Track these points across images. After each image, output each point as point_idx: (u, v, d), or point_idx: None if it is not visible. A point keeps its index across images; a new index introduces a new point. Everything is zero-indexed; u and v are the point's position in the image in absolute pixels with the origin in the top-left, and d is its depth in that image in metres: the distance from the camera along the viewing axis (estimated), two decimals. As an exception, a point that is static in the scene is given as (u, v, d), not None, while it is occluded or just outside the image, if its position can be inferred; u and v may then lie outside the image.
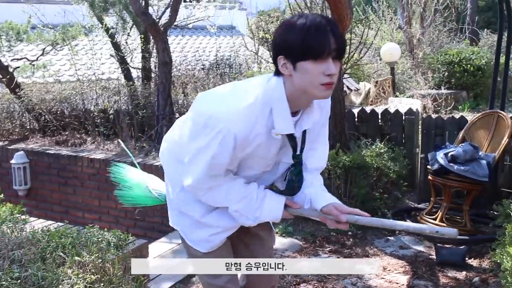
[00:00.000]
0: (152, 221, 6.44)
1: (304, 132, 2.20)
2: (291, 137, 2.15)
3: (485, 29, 17.32)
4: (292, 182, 2.27)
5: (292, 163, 2.26)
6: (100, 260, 2.90)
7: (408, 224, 2.22)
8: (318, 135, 2.32)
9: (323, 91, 2.01)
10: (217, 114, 2.06)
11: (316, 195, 2.26)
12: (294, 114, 2.13)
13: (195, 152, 2.15)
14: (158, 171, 6.25)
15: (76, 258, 2.84)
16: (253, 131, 2.07)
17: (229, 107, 2.06)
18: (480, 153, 4.93)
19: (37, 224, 4.11)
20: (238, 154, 2.13)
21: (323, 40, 1.95)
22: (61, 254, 2.87)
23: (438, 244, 4.53)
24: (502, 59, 7.05)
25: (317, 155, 2.36)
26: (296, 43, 1.97)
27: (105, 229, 3.35)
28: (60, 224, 4.13)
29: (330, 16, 5.52)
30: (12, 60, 8.95)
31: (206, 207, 2.37)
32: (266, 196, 2.28)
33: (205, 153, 2.11)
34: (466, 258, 4.39)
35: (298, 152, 2.21)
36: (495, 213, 4.51)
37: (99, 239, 3.13)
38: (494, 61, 6.48)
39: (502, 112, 5.35)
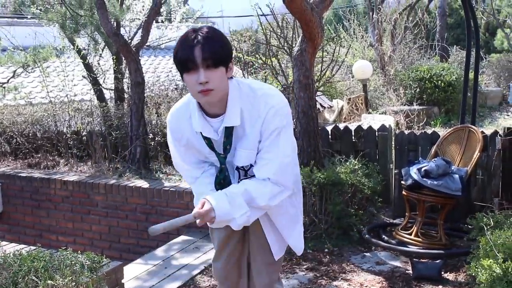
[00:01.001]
0: (127, 243, 6.37)
1: (230, 135, 2.46)
2: (203, 136, 2.48)
3: (455, 46, 17.65)
4: (217, 178, 2.59)
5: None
6: (74, 283, 2.86)
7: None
8: (263, 144, 2.44)
9: (202, 97, 2.33)
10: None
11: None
12: (217, 116, 2.45)
13: None
14: (132, 192, 6.21)
15: (49, 282, 2.80)
16: (179, 126, 2.54)
17: (171, 109, 2.60)
18: (452, 168, 4.98)
19: (9, 248, 4.03)
20: (179, 144, 2.58)
21: (187, 54, 2.26)
22: (33, 278, 2.82)
23: (414, 259, 4.55)
24: (471, 75, 7.15)
25: (265, 165, 2.45)
26: (173, 59, 2.34)
27: (79, 251, 3.31)
28: (33, 247, 4.06)
29: (300, 34, 5.58)
30: (-18, 83, 8.86)
31: None
32: (209, 190, 2.55)
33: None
34: (442, 272, 4.40)
35: (220, 152, 2.52)
36: (469, 226, 4.55)
37: (73, 262, 3.08)
38: (463, 77, 6.58)
39: (473, 126, 5.43)
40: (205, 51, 2.24)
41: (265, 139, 2.42)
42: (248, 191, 2.41)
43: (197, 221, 2.34)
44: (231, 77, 2.43)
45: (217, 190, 2.53)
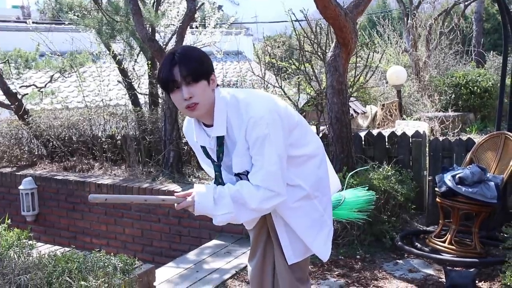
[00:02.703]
0: (160, 246, 6.42)
1: (222, 145, 2.57)
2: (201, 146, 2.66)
3: (491, 51, 17.35)
4: (215, 182, 2.69)
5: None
6: (107, 285, 2.90)
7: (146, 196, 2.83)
8: (251, 152, 2.50)
9: (189, 112, 2.48)
10: None
11: None
12: (211, 125, 2.56)
13: None
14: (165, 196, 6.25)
15: (82, 283, 2.84)
16: (188, 134, 2.76)
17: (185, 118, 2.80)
18: (488, 175, 4.90)
19: (44, 249, 4.10)
20: (197, 152, 2.77)
21: (167, 76, 2.41)
22: (67, 279, 2.87)
23: (448, 267, 4.49)
24: (508, 81, 7.04)
25: (254, 173, 2.52)
26: (157, 82, 2.50)
27: (112, 254, 3.35)
28: (67, 249, 4.13)
29: (334, 40, 5.56)
30: (20, 87, 9.05)
31: None
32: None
33: None
34: (477, 281, 4.33)
35: (215, 160, 2.63)
36: (505, 235, 4.47)
37: (106, 264, 3.13)
38: (500, 82, 6.48)
39: (509, 133, 5.33)
40: (183, 69, 2.39)
41: (251, 148, 2.50)
42: (240, 192, 2.51)
43: (175, 205, 2.59)
44: (217, 87, 2.55)
45: None
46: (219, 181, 2.66)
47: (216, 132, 2.53)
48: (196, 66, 2.42)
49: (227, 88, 2.65)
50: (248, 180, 2.57)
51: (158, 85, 2.41)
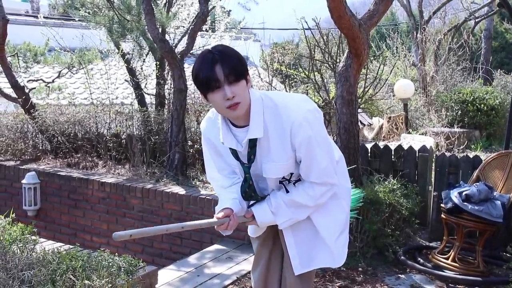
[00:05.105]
0: (160, 248, 6.39)
1: (254, 146, 2.51)
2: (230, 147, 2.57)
3: (499, 70, 17.33)
4: (242, 187, 2.67)
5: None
6: (110, 285, 2.88)
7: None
8: (299, 154, 2.50)
9: (231, 112, 2.39)
10: None
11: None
12: (243, 126, 2.51)
13: None
14: (168, 198, 6.24)
15: (86, 282, 2.82)
16: (210, 133, 2.64)
17: (206, 116, 2.70)
18: (494, 194, 4.88)
19: (47, 245, 4.07)
20: (211, 150, 2.70)
21: (208, 74, 2.32)
22: (71, 277, 2.85)
23: (450, 285, 4.46)
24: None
25: (306, 172, 2.56)
26: (194, 81, 2.41)
27: (116, 253, 3.33)
28: (71, 246, 4.10)
29: (345, 50, 5.55)
30: (28, 81, 9.04)
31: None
32: (231, 199, 2.67)
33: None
34: (479, 300, 4.31)
35: (245, 162, 2.58)
36: (509, 255, 4.45)
37: (110, 264, 3.10)
38: (510, 101, 6.45)
39: (518, 153, 5.31)
40: (225, 67, 2.32)
41: (298, 150, 2.49)
42: (294, 200, 2.59)
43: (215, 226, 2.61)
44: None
45: (244, 199, 2.68)
46: (249, 182, 2.62)
47: (252, 134, 2.45)
48: (237, 64, 2.36)
49: (263, 91, 2.64)
50: (289, 183, 2.61)
51: (195, 85, 2.27)
